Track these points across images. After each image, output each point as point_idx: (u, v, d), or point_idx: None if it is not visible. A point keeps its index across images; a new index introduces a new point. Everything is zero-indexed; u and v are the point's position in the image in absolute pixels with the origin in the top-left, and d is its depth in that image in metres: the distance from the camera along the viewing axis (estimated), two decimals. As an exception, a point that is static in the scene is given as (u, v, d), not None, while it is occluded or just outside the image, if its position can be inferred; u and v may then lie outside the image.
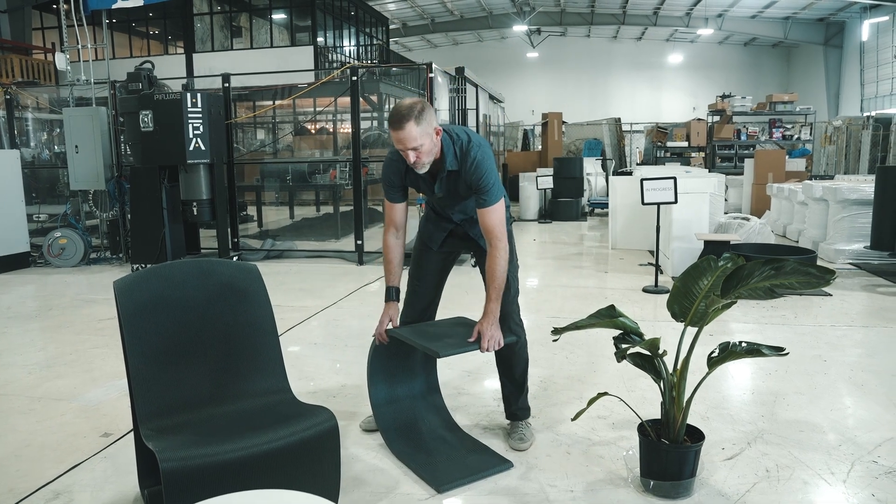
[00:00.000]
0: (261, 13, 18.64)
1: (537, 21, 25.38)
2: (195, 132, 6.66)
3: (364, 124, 15.86)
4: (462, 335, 2.63)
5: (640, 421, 2.44)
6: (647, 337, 2.35)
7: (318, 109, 16.30)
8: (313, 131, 16.94)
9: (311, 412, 2.21)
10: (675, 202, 5.57)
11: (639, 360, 2.43)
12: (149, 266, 6.75)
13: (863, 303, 5.28)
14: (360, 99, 14.10)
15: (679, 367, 2.32)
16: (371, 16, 21.09)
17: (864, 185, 6.79)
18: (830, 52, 23.59)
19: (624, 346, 2.37)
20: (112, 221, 7.76)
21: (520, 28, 25.46)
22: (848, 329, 4.55)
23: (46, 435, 2.97)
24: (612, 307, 2.41)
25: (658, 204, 5.65)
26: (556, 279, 6.46)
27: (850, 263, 6.73)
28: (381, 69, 12.06)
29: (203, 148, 6.74)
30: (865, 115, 16.73)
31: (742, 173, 11.41)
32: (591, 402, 2.50)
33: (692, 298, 2.36)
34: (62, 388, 3.58)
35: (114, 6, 7.16)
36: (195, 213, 7.00)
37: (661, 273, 6.18)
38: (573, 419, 2.65)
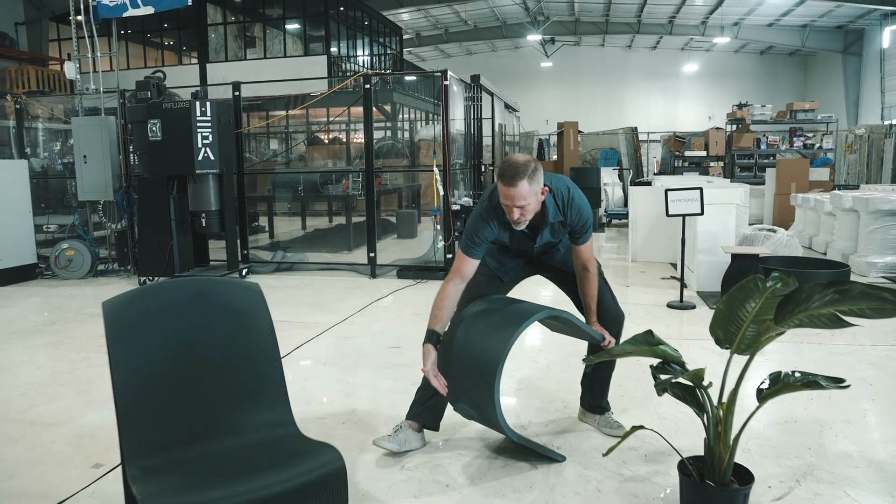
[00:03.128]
0: (274, 23, 18.61)
1: (551, 30, 25.22)
2: (204, 141, 6.51)
3: (377, 134, 15.76)
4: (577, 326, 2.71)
5: (681, 458, 2.20)
6: (685, 364, 2.12)
7: (330, 119, 16.21)
8: (326, 141, 16.83)
9: (316, 451, 1.99)
10: (702, 214, 5.32)
11: (679, 392, 2.20)
12: (144, 284, 6.59)
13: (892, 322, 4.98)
14: (374, 108, 14.00)
15: (726, 400, 2.08)
16: (385, 26, 21.03)
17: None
18: (849, 59, 23.19)
19: (664, 376, 2.13)
20: (120, 233, 7.62)
21: (534, 37, 25.30)
22: (891, 349, 4.27)
23: (33, 466, 2.77)
24: (649, 332, 2.18)
25: (683, 216, 5.40)
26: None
27: (883, 277, 6.43)
28: (395, 76, 11.86)
29: (212, 158, 6.59)
30: (887, 123, 16.35)
31: (762, 183, 11.12)
32: (625, 435, 2.27)
33: (738, 323, 2.13)
34: (55, 412, 3.38)
35: (125, 14, 7.03)
36: (204, 224, 6.84)
37: (686, 287, 5.91)
38: (605, 454, 2.41)
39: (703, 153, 13.85)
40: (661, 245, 7.71)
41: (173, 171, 6.63)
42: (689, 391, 2.18)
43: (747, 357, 2.11)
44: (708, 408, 2.10)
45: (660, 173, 15.17)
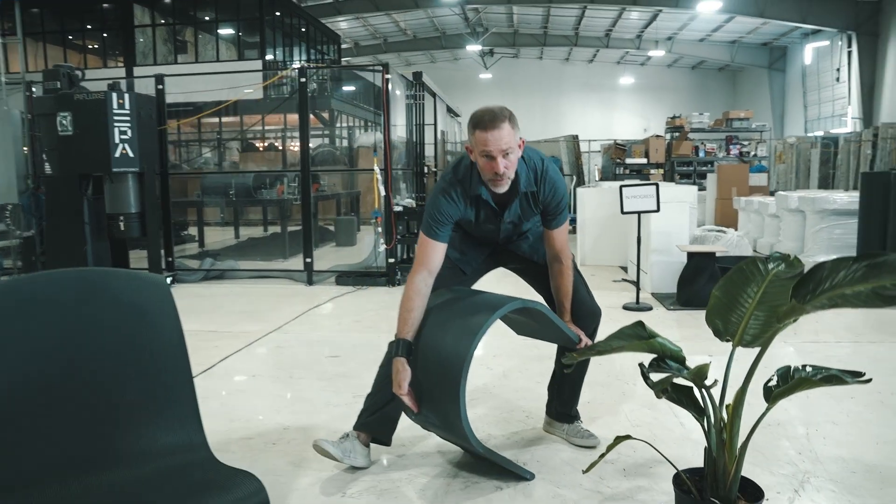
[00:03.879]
0: (207, 27, 17.81)
1: (490, 42, 25.26)
2: (122, 137, 5.90)
3: (315, 142, 15.22)
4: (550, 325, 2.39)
5: (676, 470, 1.87)
6: (685, 360, 1.79)
7: (266, 127, 15.59)
8: (261, 148, 16.15)
9: (233, 481, 1.56)
10: (658, 210, 5.11)
11: (673, 393, 1.87)
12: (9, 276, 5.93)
13: (859, 316, 4.89)
14: (312, 115, 13.46)
15: (732, 400, 1.76)
16: (323, 34, 20.50)
17: (842, 195, 6.52)
18: (775, 75, 24.15)
19: (657, 375, 1.80)
20: (27, 239, 6.86)
21: (473, 48, 25.27)
22: (856, 345, 4.13)
23: None
24: (639, 323, 1.84)
25: (639, 213, 5.19)
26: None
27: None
28: (333, 77, 11.42)
29: (131, 155, 5.98)
30: (813, 134, 16.99)
31: (703, 189, 11.20)
32: (609, 448, 1.92)
33: (740, 311, 1.82)
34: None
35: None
36: (122, 228, 6.21)
37: (640, 290, 5.69)
38: (585, 471, 2.06)
39: (644, 160, 13.95)
40: (610, 248, 7.52)
41: (87, 168, 5.99)
42: (685, 392, 1.86)
43: (746, 350, 1.81)
44: (710, 411, 1.78)
45: (602, 180, 15.20)
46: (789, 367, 1.82)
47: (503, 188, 2.29)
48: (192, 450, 1.76)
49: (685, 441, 2.70)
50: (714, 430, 1.78)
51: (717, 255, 5.66)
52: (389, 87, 6.45)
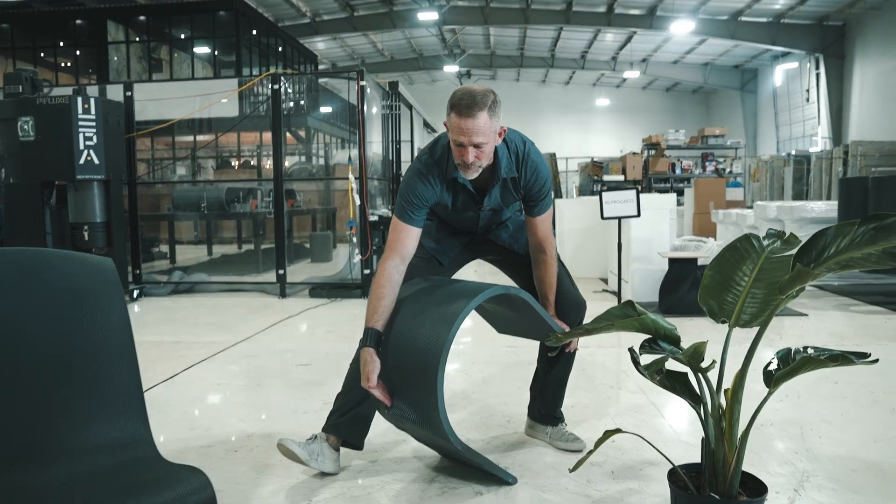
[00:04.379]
0: (182, 45, 17.63)
1: (467, 63, 25.41)
2: (87, 143, 5.68)
3: (291, 160, 15.02)
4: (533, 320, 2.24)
5: (672, 466, 1.72)
6: (680, 339, 1.66)
7: (243, 137, 15.37)
8: (236, 166, 15.92)
9: (176, 477, 1.38)
10: (638, 215, 5.02)
11: (665, 380, 1.73)
12: None
13: (843, 322, 4.82)
14: (288, 134, 13.29)
15: (731, 385, 1.62)
16: (300, 53, 20.41)
17: (820, 204, 6.51)
18: (746, 96, 24.63)
19: (647, 357, 1.66)
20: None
21: (450, 70, 25.39)
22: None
23: None
24: (629, 303, 1.70)
25: (619, 218, 5.09)
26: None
27: (811, 285, 6.37)
28: (311, 89, 11.31)
29: (97, 162, 5.76)
30: (786, 153, 17.26)
31: (681, 205, 11.22)
32: (597, 444, 1.77)
33: (735, 290, 1.70)
34: None
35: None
36: (86, 238, 5.94)
37: (621, 298, 5.58)
38: (572, 470, 1.90)
39: (622, 177, 13.99)
40: (590, 259, 7.43)
41: (49, 175, 5.75)
42: (679, 379, 1.71)
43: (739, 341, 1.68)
44: (707, 398, 1.64)
45: (580, 196, 15.23)
46: (789, 349, 1.69)
47: (472, 176, 2.14)
48: (136, 446, 1.57)
49: (675, 443, 2.56)
50: (712, 419, 1.64)
51: (699, 262, 5.59)
52: (365, 93, 6.33)
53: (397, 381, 2.07)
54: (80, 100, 5.63)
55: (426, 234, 2.36)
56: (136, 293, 6.40)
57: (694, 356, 1.57)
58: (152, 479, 1.40)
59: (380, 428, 2.48)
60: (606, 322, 1.65)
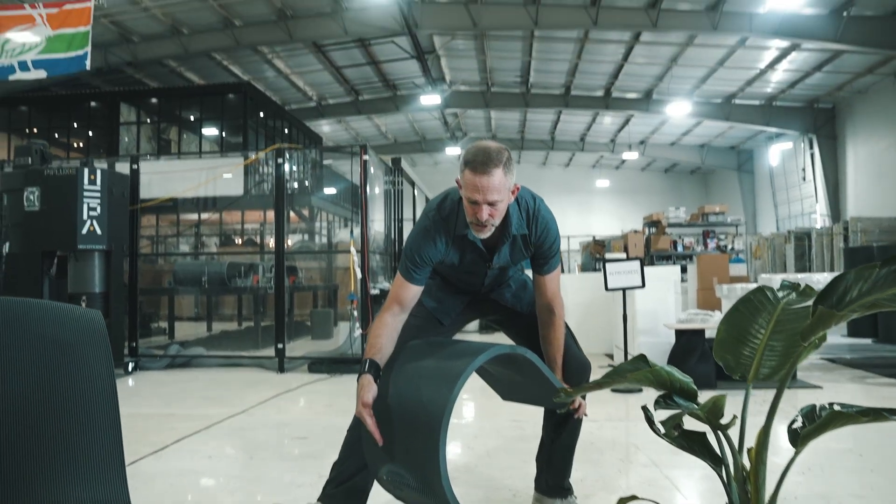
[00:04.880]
0: (191, 127, 18.17)
1: (469, 145, 26.02)
2: (91, 213, 5.72)
3: (294, 238, 15.14)
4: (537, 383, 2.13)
5: (694, 537, 1.58)
6: (697, 393, 1.56)
7: (247, 216, 15.53)
8: (239, 242, 16.04)
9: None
10: (643, 286, 4.96)
11: (682, 441, 1.61)
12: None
13: (859, 395, 4.67)
14: (291, 213, 13.42)
15: (756, 444, 1.51)
16: (305, 135, 20.99)
17: (825, 275, 6.46)
18: (744, 176, 25.07)
19: (662, 413, 1.55)
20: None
21: (452, 152, 26.01)
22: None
23: None
24: (642, 357, 1.62)
25: (624, 289, 5.03)
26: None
27: (823, 358, 6.22)
28: (313, 151, 11.46)
29: (99, 232, 5.78)
30: (786, 230, 17.38)
31: (684, 281, 11.17)
32: (612, 510, 1.63)
33: (752, 344, 1.61)
34: None
35: (11, 77, 6.34)
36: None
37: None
38: (585, 541, 1.75)
39: (623, 255, 13.99)
40: (594, 335, 7.29)
41: (50, 245, 5.76)
42: (697, 439, 1.60)
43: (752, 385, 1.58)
44: (729, 458, 1.52)
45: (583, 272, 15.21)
46: (813, 405, 1.58)
47: (484, 235, 2.10)
48: (111, 510, 1.45)
49: (693, 518, 2.39)
50: (735, 482, 1.51)
51: (707, 335, 5.48)
52: (367, 168, 6.42)
53: (396, 442, 1.95)
54: (86, 171, 5.71)
55: (427, 293, 2.29)
56: (130, 366, 6.25)
57: (713, 411, 1.47)
58: (126, 545, 1.27)
59: (381, 499, 2.32)
60: (618, 375, 1.56)
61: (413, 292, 2.13)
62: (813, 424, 1.48)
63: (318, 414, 4.49)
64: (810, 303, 1.60)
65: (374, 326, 2.07)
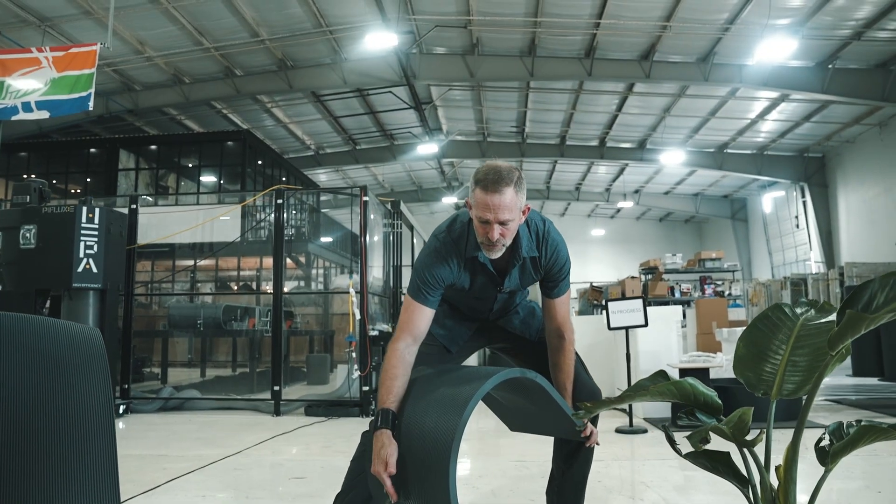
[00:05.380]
0: (189, 174, 18.29)
1: (465, 194, 26.21)
2: (87, 251, 5.67)
3: (290, 285, 15.05)
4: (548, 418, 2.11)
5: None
6: (721, 407, 1.50)
7: (243, 262, 15.48)
8: (235, 288, 15.94)
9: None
10: (646, 325, 4.91)
11: (705, 461, 1.55)
12: None
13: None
14: (288, 259, 13.38)
15: (784, 461, 1.45)
16: (303, 183, 21.11)
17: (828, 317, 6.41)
18: (738, 224, 25.27)
19: (684, 427, 1.49)
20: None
21: (449, 201, 26.19)
22: (885, 458, 3.76)
23: None
24: (661, 372, 1.57)
25: (626, 328, 4.97)
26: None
27: (828, 399, 6.11)
28: (312, 192, 11.50)
29: (95, 271, 5.71)
30: (783, 276, 17.40)
31: (684, 326, 11.10)
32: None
33: (773, 360, 1.57)
34: None
35: (14, 118, 6.37)
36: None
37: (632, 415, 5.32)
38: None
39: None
40: (596, 378, 7.14)
41: (45, 283, 5.69)
42: (721, 458, 1.54)
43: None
44: (756, 477, 1.46)
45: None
46: (840, 422, 1.53)
47: (495, 255, 2.06)
48: (104, 532, 1.36)
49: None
50: (764, 502, 1.44)
51: (711, 377, 5.40)
52: (367, 210, 6.43)
53: (401, 476, 1.86)
54: (84, 209, 5.69)
55: (434, 320, 2.24)
56: (122, 409, 6.10)
57: (738, 426, 1.41)
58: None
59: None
60: (638, 390, 1.51)
61: (426, 317, 2.08)
62: (842, 441, 1.43)
63: (315, 455, 4.36)
64: (831, 318, 1.58)
65: (388, 363, 1.99)
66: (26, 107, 6.30)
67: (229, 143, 17.23)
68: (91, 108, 6.43)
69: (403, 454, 1.86)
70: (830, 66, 12.65)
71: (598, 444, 2.20)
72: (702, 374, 5.01)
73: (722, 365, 5.98)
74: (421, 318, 2.08)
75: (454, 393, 1.88)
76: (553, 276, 2.19)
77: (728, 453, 1.53)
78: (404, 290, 9.87)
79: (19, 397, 1.49)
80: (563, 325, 2.21)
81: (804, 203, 19.42)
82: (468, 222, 2.10)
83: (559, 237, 2.20)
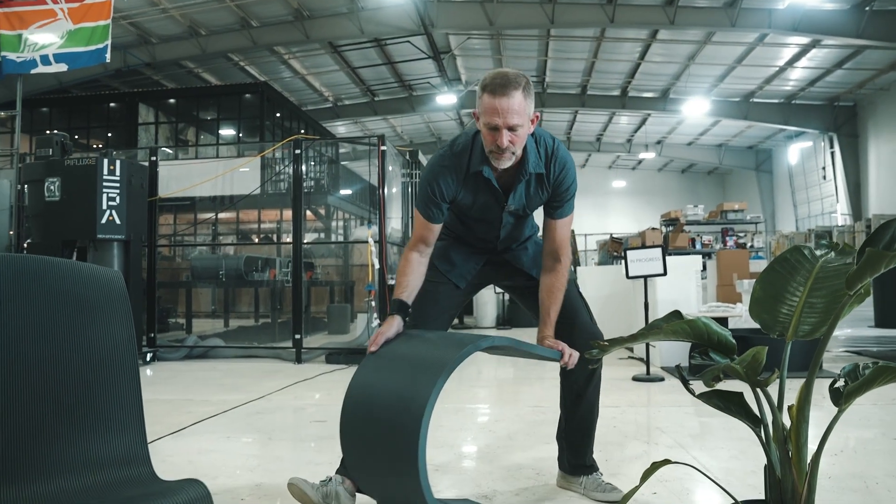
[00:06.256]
0: (208, 127, 18.29)
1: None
2: (110, 203, 5.74)
3: (310, 237, 15.17)
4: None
5: (734, 500, 1.52)
6: (735, 346, 1.50)
7: (264, 215, 15.60)
8: (256, 241, 16.11)
9: (173, 490, 1.22)
10: (665, 273, 4.88)
11: (717, 401, 1.56)
12: None
13: (888, 389, 4.53)
14: (308, 212, 13.44)
15: (797, 401, 1.45)
16: (322, 135, 21.05)
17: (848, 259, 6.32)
18: (762, 176, 24.77)
19: (699, 364, 1.50)
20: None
21: (468, 151, 25.94)
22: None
23: None
24: (676, 312, 1.56)
25: (645, 277, 4.95)
26: (531, 372, 5.54)
27: (845, 350, 6.09)
28: (330, 142, 11.49)
29: (118, 222, 5.80)
30: (807, 229, 17.13)
31: (703, 278, 11.02)
32: (645, 476, 1.57)
33: (790, 302, 1.55)
34: None
35: (33, 71, 6.39)
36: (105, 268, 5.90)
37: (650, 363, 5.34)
38: (616, 506, 1.70)
39: (641, 252, 13.88)
40: (613, 328, 7.14)
41: (70, 235, 5.79)
42: (734, 399, 1.54)
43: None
44: (769, 416, 1.46)
45: (599, 273, 15.08)
46: (856, 364, 1.52)
47: (505, 164, 2.00)
48: (131, 463, 1.42)
49: (728, 486, 2.32)
50: (776, 442, 1.45)
51: (730, 326, 5.39)
52: (385, 158, 6.40)
53: (376, 449, 1.85)
54: (105, 161, 5.74)
55: (440, 256, 2.25)
56: (149, 356, 6.27)
57: (752, 366, 1.41)
58: (150, 493, 1.24)
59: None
60: (653, 329, 1.51)
61: (433, 231, 2.15)
62: (857, 381, 1.42)
63: (336, 400, 4.43)
64: (851, 259, 1.56)
65: (402, 266, 2.10)
66: (45, 60, 6.30)
67: (247, 95, 17.16)
68: (108, 61, 6.43)
69: (373, 427, 1.86)
70: (867, 8, 12.10)
71: (569, 365, 2.08)
72: (721, 323, 4.99)
73: (741, 315, 5.96)
74: (430, 232, 2.14)
75: (428, 363, 1.78)
76: (560, 194, 2.16)
77: (741, 393, 1.54)
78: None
79: (48, 334, 1.54)
80: (560, 248, 2.19)
81: (832, 154, 18.94)
82: (473, 136, 2.08)
83: (568, 156, 2.17)
